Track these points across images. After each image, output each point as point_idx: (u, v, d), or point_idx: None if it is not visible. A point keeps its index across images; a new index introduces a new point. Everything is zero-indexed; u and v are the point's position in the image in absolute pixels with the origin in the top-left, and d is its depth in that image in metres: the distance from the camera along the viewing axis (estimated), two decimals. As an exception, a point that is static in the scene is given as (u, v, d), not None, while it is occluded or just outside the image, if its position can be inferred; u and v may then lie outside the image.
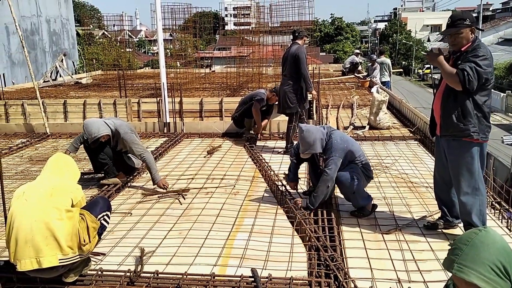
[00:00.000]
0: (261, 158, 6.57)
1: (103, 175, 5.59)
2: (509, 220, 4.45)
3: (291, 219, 4.46)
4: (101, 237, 3.46)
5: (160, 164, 6.55)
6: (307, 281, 3.32)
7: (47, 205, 3.10)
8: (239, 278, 3.33)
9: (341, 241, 4.06)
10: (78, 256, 3.17)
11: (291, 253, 3.81)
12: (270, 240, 4.04)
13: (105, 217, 3.39)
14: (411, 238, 4.15)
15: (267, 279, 3.31)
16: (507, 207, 4.71)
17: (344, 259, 3.74)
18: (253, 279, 3.31)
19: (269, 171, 5.85)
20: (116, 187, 5.42)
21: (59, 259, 3.07)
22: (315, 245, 3.88)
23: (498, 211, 4.63)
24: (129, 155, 5.55)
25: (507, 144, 18.95)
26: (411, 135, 8.12)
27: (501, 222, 4.47)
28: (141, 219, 4.58)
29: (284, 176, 5.20)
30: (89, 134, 5.20)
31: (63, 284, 3.29)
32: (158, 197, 5.14)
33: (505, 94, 29.15)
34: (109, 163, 5.48)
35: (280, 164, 6.45)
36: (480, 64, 3.71)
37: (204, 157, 6.90)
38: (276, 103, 7.42)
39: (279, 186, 5.27)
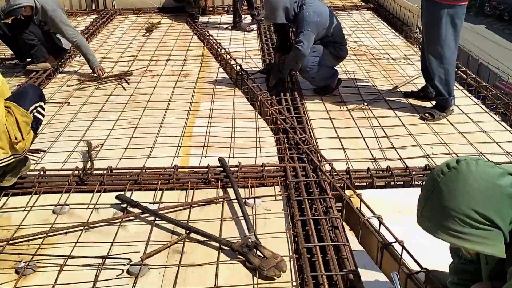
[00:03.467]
0: (208, 35, 5.95)
1: (29, 60, 4.82)
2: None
3: (252, 101, 4.06)
4: (37, 132, 2.93)
5: (93, 46, 5.75)
6: (280, 167, 3.02)
7: None
8: (206, 169, 2.98)
9: (308, 121, 3.76)
10: (12, 157, 2.65)
11: (257, 138, 3.46)
12: (233, 125, 3.66)
13: (39, 108, 2.82)
14: (380, 113, 3.92)
15: (237, 168, 2.98)
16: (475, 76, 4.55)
17: (314, 140, 3.47)
18: (222, 169, 2.97)
19: (219, 49, 5.30)
20: (47, 73, 4.71)
21: (-11, 163, 2.56)
22: (283, 128, 3.55)
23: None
24: (58, 35, 4.77)
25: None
26: (363, 4, 7.66)
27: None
28: (81, 108, 4.01)
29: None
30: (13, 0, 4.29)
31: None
32: (98, 82, 4.53)
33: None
34: (38, 44, 4.66)
35: (229, 40, 5.88)
36: None
37: (143, 35, 6.16)
38: None
39: (233, 66, 4.79)
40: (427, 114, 3.82)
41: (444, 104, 3.83)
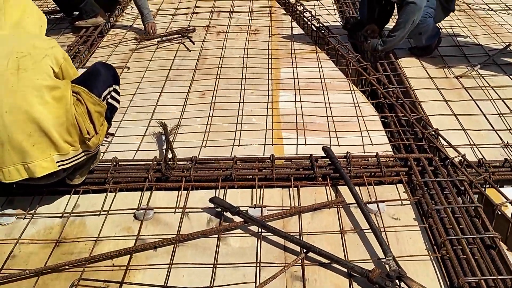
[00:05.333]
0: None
1: (76, 14, 4.28)
2: None
3: (341, 67, 3.46)
4: (111, 122, 2.43)
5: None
6: (400, 159, 2.48)
7: (18, 85, 1.98)
8: (309, 160, 2.47)
9: (412, 91, 3.16)
10: (83, 154, 2.18)
11: (359, 118, 2.90)
12: (326, 100, 3.09)
13: (113, 93, 2.31)
14: (495, 81, 3.28)
15: (345, 159, 2.46)
16: None
17: (427, 118, 2.89)
18: (326, 160, 2.46)
19: (288, -1, 4.65)
20: (98, 30, 4.18)
21: (57, 162, 2.08)
22: (388, 102, 2.98)
23: None
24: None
25: None
26: None
27: None
28: (144, 75, 3.49)
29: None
30: None
31: (68, 186, 2.36)
32: (158, 41, 3.97)
33: None
34: None
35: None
36: None
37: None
38: None
39: (309, 20, 4.14)
40: None
41: None
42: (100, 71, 2.26)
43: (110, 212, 2.25)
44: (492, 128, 2.81)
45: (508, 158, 2.49)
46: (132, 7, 4.55)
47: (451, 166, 2.40)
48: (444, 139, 2.60)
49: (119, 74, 3.37)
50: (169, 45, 3.92)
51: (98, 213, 2.25)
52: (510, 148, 2.63)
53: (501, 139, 2.71)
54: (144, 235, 2.12)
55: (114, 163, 2.51)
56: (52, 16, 4.63)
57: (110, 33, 4.25)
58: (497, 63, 3.49)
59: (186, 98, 3.16)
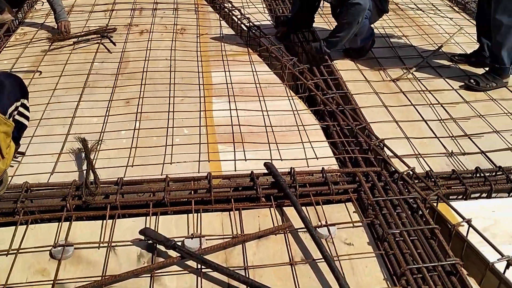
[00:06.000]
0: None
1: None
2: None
3: (277, 70, 3.25)
4: (20, 141, 2.06)
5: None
6: (347, 174, 2.31)
7: None
8: (249, 179, 2.24)
9: (351, 96, 3.02)
10: (-13, 182, 1.82)
11: (300, 127, 2.70)
12: (263, 107, 2.86)
13: (21, 109, 1.94)
14: (431, 85, 3.23)
15: (289, 176, 2.25)
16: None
17: (368, 126, 2.75)
18: (272, 178, 2.24)
19: (214, -6, 4.37)
20: (4, 29, 3.69)
21: (-44, 194, 1.72)
22: (328, 109, 2.82)
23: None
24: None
25: None
26: None
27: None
28: (59, 81, 3.08)
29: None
30: None
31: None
32: (74, 42, 3.55)
33: None
34: None
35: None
36: None
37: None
38: None
39: (236, 17, 3.89)
40: (472, 81, 3.19)
41: (499, 72, 3.18)
42: (4, 83, 1.89)
43: (20, 251, 1.90)
44: (434, 136, 2.72)
45: (455, 169, 2.41)
46: (43, 3, 4.08)
47: (401, 180, 2.27)
48: (390, 150, 2.47)
49: (29, 79, 3.00)
50: (87, 46, 3.52)
51: (6, 252, 1.89)
52: (454, 156, 2.56)
53: (445, 147, 2.63)
54: (62, 279, 1.79)
55: (25, 189, 2.13)
56: None
57: (18, 32, 3.76)
58: (431, 65, 3.44)
59: (108, 107, 2.81)
